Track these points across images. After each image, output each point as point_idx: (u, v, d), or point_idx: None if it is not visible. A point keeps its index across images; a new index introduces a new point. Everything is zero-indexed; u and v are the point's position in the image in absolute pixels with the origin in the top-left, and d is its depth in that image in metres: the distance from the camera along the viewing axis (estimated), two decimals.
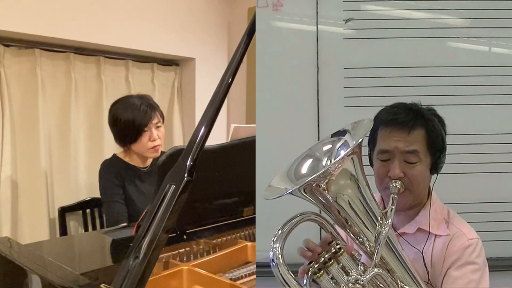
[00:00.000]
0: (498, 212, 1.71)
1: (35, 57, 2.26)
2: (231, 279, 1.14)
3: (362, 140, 0.86)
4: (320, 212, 0.90)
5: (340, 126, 0.95)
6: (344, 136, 0.93)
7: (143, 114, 1.92)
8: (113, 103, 2.01)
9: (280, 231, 0.85)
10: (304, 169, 0.92)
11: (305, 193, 0.86)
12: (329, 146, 0.94)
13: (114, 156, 2.06)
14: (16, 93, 2.23)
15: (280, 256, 0.84)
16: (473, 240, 0.98)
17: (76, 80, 2.44)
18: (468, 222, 1.03)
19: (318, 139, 1.01)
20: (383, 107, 1.04)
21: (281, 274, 0.84)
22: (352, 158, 0.86)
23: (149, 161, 2.12)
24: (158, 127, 1.99)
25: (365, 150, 0.96)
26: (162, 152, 2.00)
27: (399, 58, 1.74)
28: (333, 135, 0.95)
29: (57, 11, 2.22)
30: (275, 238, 0.85)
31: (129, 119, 1.91)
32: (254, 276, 1.19)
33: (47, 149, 2.35)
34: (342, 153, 0.89)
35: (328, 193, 0.86)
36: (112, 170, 1.98)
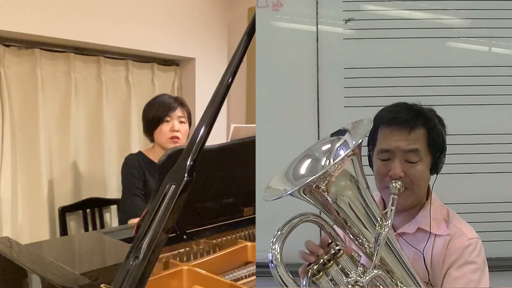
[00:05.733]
0: (498, 212, 1.71)
1: (35, 57, 2.26)
2: (231, 279, 1.14)
3: (362, 140, 0.86)
4: (320, 213, 0.90)
5: (340, 126, 0.95)
6: (343, 135, 0.92)
7: (167, 105, 2.07)
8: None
9: (279, 232, 0.85)
10: (303, 170, 0.91)
11: (305, 194, 0.85)
12: (328, 146, 0.93)
13: (139, 152, 2.16)
14: (16, 93, 2.23)
15: (279, 257, 0.83)
16: (473, 239, 0.98)
17: (76, 80, 2.44)
18: (468, 222, 1.03)
19: (318, 139, 1.01)
20: (383, 107, 1.04)
21: (280, 276, 0.83)
22: (352, 159, 0.85)
23: None
24: (181, 122, 2.10)
25: (364, 151, 0.95)
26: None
27: (399, 58, 1.74)
28: (332, 135, 0.95)
29: (57, 11, 2.22)
30: (274, 239, 0.84)
31: (155, 112, 2.06)
32: (254, 277, 1.19)
33: (47, 149, 2.34)
34: (342, 153, 0.88)
35: (327, 194, 0.85)
36: (135, 163, 2.06)
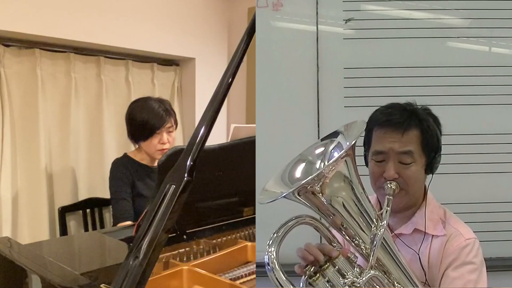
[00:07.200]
0: (497, 212, 1.71)
1: (35, 57, 2.26)
2: (231, 279, 1.14)
3: (356, 142, 0.86)
4: (319, 218, 0.90)
5: (340, 126, 0.95)
6: (336, 137, 0.92)
7: (159, 117, 2.02)
8: (133, 101, 2.13)
9: (275, 235, 0.84)
10: (298, 173, 0.92)
11: (300, 196, 0.85)
12: (322, 149, 0.93)
13: (125, 155, 2.14)
14: (16, 93, 2.23)
15: (275, 260, 0.83)
16: (470, 240, 0.98)
17: (76, 80, 2.44)
18: (467, 222, 1.03)
19: (318, 139, 1.02)
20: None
21: (276, 278, 0.83)
22: (345, 160, 0.85)
23: None
24: (170, 132, 2.08)
25: (359, 151, 0.95)
26: None
27: (399, 58, 1.74)
28: (323, 139, 0.95)
29: (57, 11, 2.22)
30: (270, 241, 0.84)
31: (143, 120, 2.00)
32: (254, 276, 1.19)
33: (47, 149, 2.34)
34: (336, 155, 0.88)
35: (322, 196, 0.85)
36: (122, 168, 2.05)
